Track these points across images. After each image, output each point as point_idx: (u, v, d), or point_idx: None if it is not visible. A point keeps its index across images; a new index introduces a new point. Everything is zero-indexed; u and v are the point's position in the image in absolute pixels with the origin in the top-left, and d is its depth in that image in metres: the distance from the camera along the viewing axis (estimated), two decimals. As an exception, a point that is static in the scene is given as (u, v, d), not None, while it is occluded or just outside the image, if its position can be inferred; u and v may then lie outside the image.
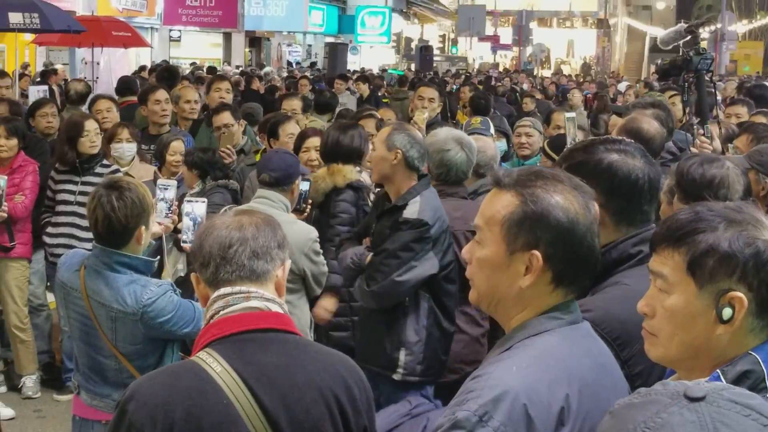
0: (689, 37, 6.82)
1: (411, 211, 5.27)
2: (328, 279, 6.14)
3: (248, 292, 2.79)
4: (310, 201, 6.28)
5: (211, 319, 2.81)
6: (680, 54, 6.89)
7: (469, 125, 8.42)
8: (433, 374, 5.34)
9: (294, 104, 9.62)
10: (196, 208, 4.98)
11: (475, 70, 45.26)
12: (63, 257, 4.70)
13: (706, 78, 6.46)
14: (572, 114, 8.12)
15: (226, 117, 8.43)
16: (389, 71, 37.51)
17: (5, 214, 4.76)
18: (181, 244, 4.83)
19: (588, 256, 2.39)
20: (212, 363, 2.68)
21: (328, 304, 6.25)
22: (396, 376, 5.31)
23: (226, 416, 2.63)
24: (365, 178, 6.57)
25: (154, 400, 2.65)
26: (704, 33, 41.49)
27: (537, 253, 2.36)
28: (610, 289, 3.06)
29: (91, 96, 11.07)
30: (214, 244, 2.82)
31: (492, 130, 8.52)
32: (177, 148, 7.70)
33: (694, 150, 5.92)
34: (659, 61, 10.13)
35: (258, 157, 7.99)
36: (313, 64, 40.92)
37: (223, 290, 2.80)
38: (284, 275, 2.91)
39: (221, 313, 2.78)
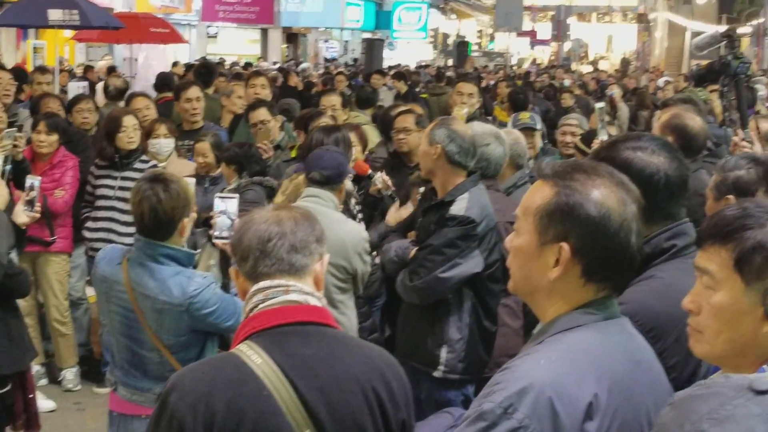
0: (725, 41, 6.75)
1: (458, 208, 5.23)
2: None
3: (287, 285, 2.80)
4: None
5: (250, 312, 2.82)
6: (718, 58, 6.83)
7: (517, 119, 8.34)
8: (474, 372, 5.32)
9: (333, 100, 9.62)
10: (229, 204, 4.97)
11: (513, 66, 45.10)
12: (101, 252, 4.73)
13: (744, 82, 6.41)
14: (602, 104, 8.07)
15: (262, 113, 8.43)
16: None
17: (38, 215, 5.12)
18: (214, 241, 4.80)
19: (620, 252, 2.36)
20: (252, 355, 2.69)
21: None
22: (437, 374, 5.29)
23: (266, 408, 2.64)
24: (347, 183, 6.17)
25: (195, 391, 2.66)
26: (746, 28, 41.13)
27: (565, 245, 2.35)
28: (645, 282, 3.06)
29: (127, 93, 11.13)
30: (253, 238, 2.83)
31: (540, 125, 8.46)
32: (201, 149, 7.69)
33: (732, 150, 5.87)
34: (694, 67, 10.00)
35: (293, 154, 8.00)
36: (355, 60, 40.95)
37: (262, 284, 2.81)
38: (322, 270, 2.92)
39: (260, 306, 2.80)
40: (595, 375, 2.26)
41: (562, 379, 2.22)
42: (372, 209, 6.79)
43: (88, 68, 21.06)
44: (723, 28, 7.04)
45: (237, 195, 5.24)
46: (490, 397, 2.22)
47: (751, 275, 2.15)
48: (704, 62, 6.88)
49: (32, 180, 5.29)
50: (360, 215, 6.36)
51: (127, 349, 4.53)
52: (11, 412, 5.17)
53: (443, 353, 5.28)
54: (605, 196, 2.36)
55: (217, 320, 4.44)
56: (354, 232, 5.58)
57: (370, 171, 6.87)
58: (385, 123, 8.65)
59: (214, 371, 2.72)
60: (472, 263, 5.23)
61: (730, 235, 2.19)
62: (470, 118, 8.42)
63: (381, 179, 6.76)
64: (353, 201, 6.40)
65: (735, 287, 2.18)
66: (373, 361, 2.86)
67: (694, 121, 5.39)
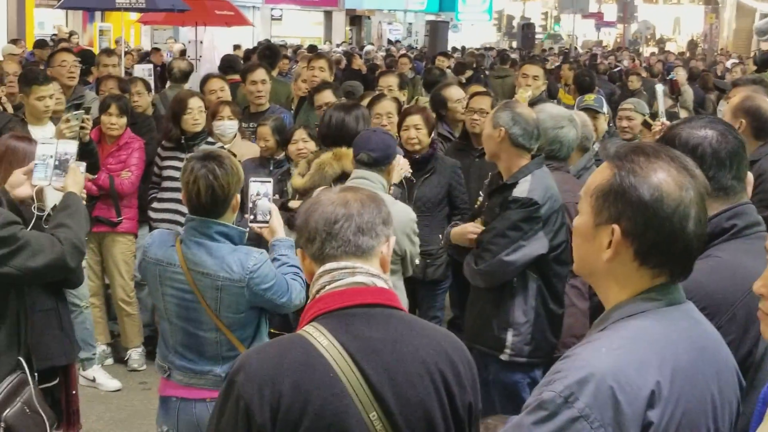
0: None
1: (521, 190, 5.21)
2: None
3: (353, 267, 2.80)
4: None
5: (316, 294, 2.82)
6: None
7: (582, 101, 8.30)
8: (542, 356, 5.28)
9: (390, 81, 9.61)
10: (262, 188, 4.84)
11: (577, 48, 44.72)
12: (148, 238, 4.79)
13: None
14: (661, 86, 8.01)
15: (327, 95, 8.44)
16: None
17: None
18: (250, 225, 4.75)
19: (673, 237, 2.32)
20: (319, 337, 2.69)
21: None
22: (503, 357, 5.27)
23: (332, 390, 2.64)
24: None
25: (262, 372, 2.67)
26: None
27: (616, 226, 2.33)
28: (702, 261, 3.01)
29: (194, 74, 11.20)
30: (319, 219, 2.83)
31: (605, 108, 8.40)
32: (262, 134, 7.73)
33: None
34: (758, 51, 9.84)
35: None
36: (409, 47, 40.84)
37: (328, 265, 2.81)
38: (389, 252, 2.91)
39: (327, 288, 2.80)
40: (657, 363, 2.24)
41: (623, 367, 2.20)
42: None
43: (154, 50, 21.20)
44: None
45: (271, 179, 5.12)
46: (550, 385, 2.22)
47: None
48: None
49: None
50: None
51: (182, 332, 4.56)
52: (58, 408, 5.04)
53: (509, 336, 5.26)
54: (661, 179, 2.32)
55: (273, 296, 4.47)
56: (403, 213, 5.56)
57: None
58: (437, 103, 8.62)
59: (281, 353, 2.72)
60: (537, 245, 5.20)
61: None
62: (534, 101, 8.39)
63: (397, 161, 6.30)
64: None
65: None
66: (439, 344, 2.84)
67: (767, 103, 5.32)
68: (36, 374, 4.45)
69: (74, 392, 5.24)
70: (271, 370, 2.66)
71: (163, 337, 4.70)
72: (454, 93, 8.41)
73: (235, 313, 4.47)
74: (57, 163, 4.68)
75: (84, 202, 4.68)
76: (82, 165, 4.87)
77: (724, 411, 2.36)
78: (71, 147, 4.81)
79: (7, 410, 4.13)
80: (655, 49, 45.74)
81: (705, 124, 3.20)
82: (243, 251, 4.50)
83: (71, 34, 24.65)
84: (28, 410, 4.23)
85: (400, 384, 2.70)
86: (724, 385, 2.37)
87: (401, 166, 6.09)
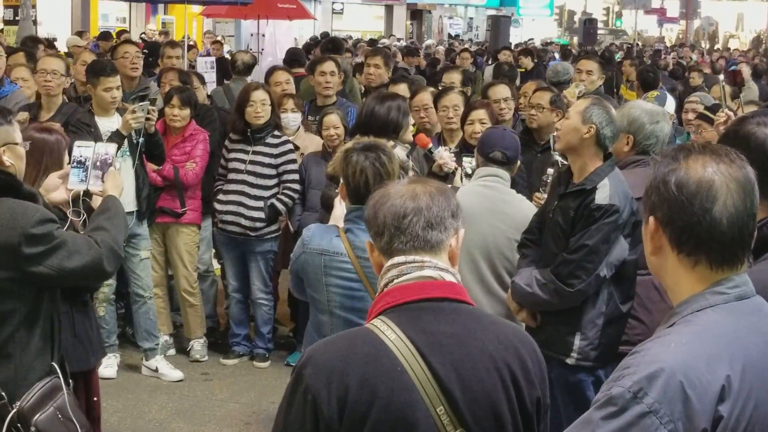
0: None
1: (602, 197, 5.08)
2: None
3: (422, 261, 2.79)
4: None
5: (384, 288, 2.81)
6: None
7: (645, 99, 8.22)
8: (605, 360, 5.19)
9: (453, 77, 9.58)
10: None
11: (638, 43, 44.34)
12: (306, 231, 4.71)
13: None
14: (721, 76, 7.92)
15: (402, 89, 8.38)
16: (557, 40, 37.15)
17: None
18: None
19: (696, 219, 2.32)
20: (386, 330, 2.69)
21: None
22: (569, 360, 5.18)
23: (399, 384, 2.64)
24: (400, 153, 6.05)
25: (329, 365, 2.67)
26: None
27: (652, 218, 2.38)
28: (765, 261, 2.98)
29: (256, 67, 11.23)
30: (388, 214, 2.82)
31: (669, 104, 8.29)
32: (330, 122, 7.76)
33: None
34: None
35: (414, 130, 7.99)
36: (470, 40, 40.73)
37: (396, 259, 2.80)
38: (458, 245, 2.89)
39: (395, 281, 2.79)
40: (727, 357, 2.22)
41: (693, 362, 2.19)
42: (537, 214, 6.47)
43: (215, 42, 21.32)
44: None
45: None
46: (619, 381, 2.21)
47: None
48: None
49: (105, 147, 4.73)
50: None
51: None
52: None
53: (577, 341, 5.17)
54: (690, 166, 2.34)
55: None
56: (531, 211, 5.59)
57: (430, 145, 6.54)
58: (485, 97, 8.57)
59: (349, 346, 2.72)
60: (619, 250, 5.10)
61: None
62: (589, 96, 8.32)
63: (441, 154, 6.38)
64: (412, 174, 6.17)
65: None
66: (507, 338, 2.82)
67: None
68: (71, 381, 4.32)
69: (95, 399, 5.12)
70: (339, 363, 2.66)
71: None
72: (498, 91, 8.29)
73: None
74: (97, 165, 4.56)
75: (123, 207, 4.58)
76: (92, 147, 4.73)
77: None
78: (110, 148, 4.69)
79: (38, 415, 4.03)
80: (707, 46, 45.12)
81: None
82: None
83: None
84: (60, 416, 4.12)
85: (468, 378, 2.69)
86: None
87: (444, 160, 6.09)
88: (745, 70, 17.12)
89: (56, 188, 4.53)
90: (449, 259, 2.87)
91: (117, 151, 4.64)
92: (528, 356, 2.83)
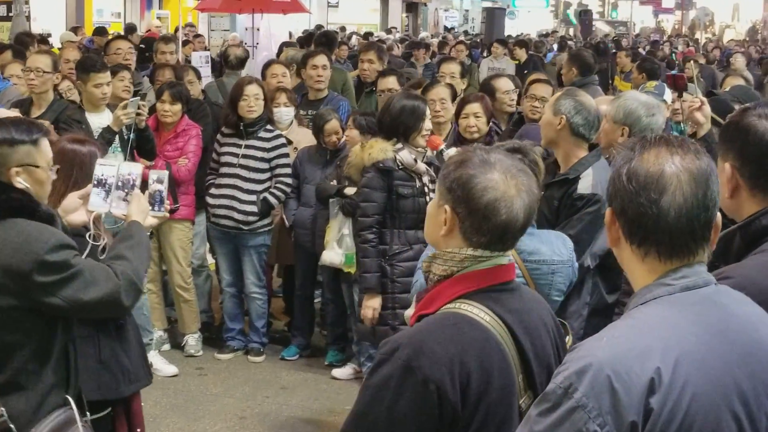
0: None
1: (584, 186, 5.13)
2: (365, 280, 6.30)
3: (503, 253, 2.88)
4: None
5: (457, 272, 2.82)
6: None
7: (644, 89, 8.21)
8: None
9: (452, 68, 9.59)
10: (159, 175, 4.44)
11: (637, 35, 44.31)
12: None
13: None
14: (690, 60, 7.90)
15: (391, 81, 8.52)
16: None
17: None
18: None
19: (643, 209, 2.34)
20: (480, 313, 2.76)
21: (374, 303, 6.27)
22: None
23: (505, 363, 2.74)
24: (404, 156, 6.13)
25: (447, 354, 2.67)
26: None
27: (609, 209, 2.43)
28: (756, 256, 3.01)
29: (250, 61, 11.23)
30: (500, 225, 2.80)
31: (667, 95, 8.29)
32: (332, 128, 7.81)
33: None
34: None
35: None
36: (465, 33, 40.70)
37: (480, 251, 2.82)
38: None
39: (470, 267, 2.82)
40: (659, 349, 2.23)
41: (622, 355, 2.22)
42: None
43: (196, 36, 21.28)
44: None
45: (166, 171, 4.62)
46: (555, 378, 2.26)
47: None
48: None
49: (159, 174, 4.35)
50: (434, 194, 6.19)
51: None
52: None
53: (567, 324, 5.21)
54: (643, 158, 2.36)
55: (577, 272, 4.75)
56: None
57: (442, 146, 6.35)
58: (486, 93, 8.57)
59: (457, 332, 2.73)
60: (603, 240, 5.12)
61: None
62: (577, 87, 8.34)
63: (451, 156, 6.33)
64: (426, 178, 6.26)
65: None
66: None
67: None
68: (87, 413, 4.11)
69: (139, 430, 4.85)
70: (456, 351, 2.68)
71: None
72: (504, 84, 8.34)
73: (560, 295, 4.67)
74: (119, 185, 4.17)
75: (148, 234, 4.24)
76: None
77: (758, 395, 2.32)
78: (135, 168, 4.28)
79: None
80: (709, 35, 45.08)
81: None
82: (556, 234, 4.75)
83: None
84: None
85: (539, 351, 2.86)
86: (759, 370, 2.33)
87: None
88: (740, 60, 17.13)
89: (76, 209, 4.17)
90: None
91: (138, 170, 4.20)
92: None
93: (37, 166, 3.82)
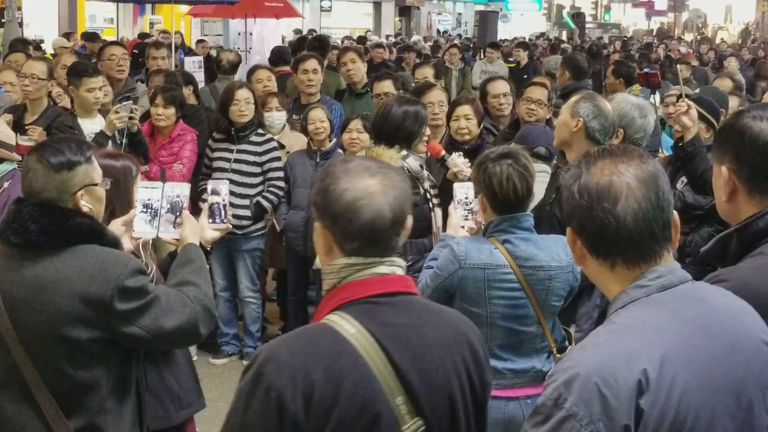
0: None
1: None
2: None
3: (381, 260, 2.78)
4: None
5: (337, 283, 2.79)
6: None
7: (631, 93, 8.24)
8: None
9: (426, 72, 9.60)
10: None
11: (630, 38, 44.37)
12: (459, 247, 4.66)
13: None
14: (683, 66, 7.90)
15: (387, 85, 8.53)
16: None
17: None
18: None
19: (601, 222, 2.37)
20: (345, 325, 2.69)
21: None
22: None
23: (362, 377, 2.65)
24: (412, 164, 5.92)
25: (293, 362, 2.66)
26: None
27: (569, 229, 2.48)
28: (752, 259, 3.01)
29: (242, 66, 11.24)
30: (365, 224, 2.72)
31: (654, 99, 8.32)
32: (316, 116, 7.75)
33: None
34: None
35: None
36: (459, 36, 40.77)
37: (355, 260, 2.77)
38: (406, 234, 2.86)
39: (350, 277, 2.77)
40: (644, 350, 2.25)
41: (607, 361, 2.24)
42: (450, 195, 6.07)
43: (198, 42, 21.31)
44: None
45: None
46: (545, 390, 2.29)
47: None
48: None
49: (215, 185, 4.21)
50: (436, 201, 6.08)
51: (506, 332, 4.64)
52: None
53: (572, 333, 5.23)
54: (592, 172, 2.40)
55: (579, 277, 4.69)
56: None
57: (443, 153, 6.18)
58: (480, 96, 8.57)
59: (310, 342, 2.72)
60: None
61: None
62: (571, 90, 8.34)
63: (455, 162, 6.09)
64: (428, 184, 6.14)
65: None
66: (457, 326, 2.88)
67: None
68: None
69: None
70: (302, 361, 2.65)
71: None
72: (497, 86, 8.32)
73: (559, 300, 4.67)
74: (168, 208, 3.98)
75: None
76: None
77: (746, 385, 2.34)
78: (182, 189, 4.06)
79: None
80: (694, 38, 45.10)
81: None
82: (556, 239, 4.67)
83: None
84: None
85: (426, 367, 2.72)
86: (743, 360, 2.35)
87: (459, 167, 5.99)
88: (733, 63, 17.17)
89: (120, 236, 3.87)
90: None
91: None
92: (476, 341, 2.88)
93: (96, 184, 3.69)
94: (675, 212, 2.44)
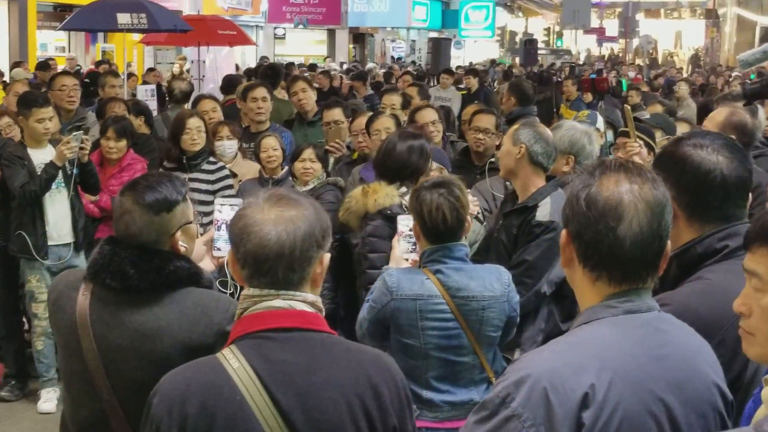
0: None
1: (542, 213, 5.22)
2: None
3: (277, 294, 2.73)
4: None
5: (241, 315, 2.78)
6: None
7: (577, 119, 8.32)
8: None
9: (393, 99, 9.63)
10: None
11: (583, 64, 44.76)
12: (390, 278, 4.62)
13: None
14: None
15: (336, 113, 8.55)
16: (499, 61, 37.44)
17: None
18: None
19: (600, 236, 2.40)
20: (231, 359, 2.68)
21: None
22: None
23: (239, 412, 2.63)
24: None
25: (173, 394, 2.68)
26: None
27: (565, 231, 2.50)
28: (692, 283, 3.05)
29: (193, 95, 11.24)
30: (250, 252, 2.70)
31: (599, 124, 8.39)
32: (269, 144, 7.76)
33: None
34: (747, 82, 9.70)
35: (355, 155, 8.01)
36: (413, 63, 40.96)
37: (252, 291, 2.75)
38: (324, 268, 2.82)
39: (248, 310, 2.75)
40: (595, 367, 2.29)
41: (559, 369, 2.28)
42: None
43: (149, 71, 21.29)
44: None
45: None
46: (495, 387, 2.33)
47: None
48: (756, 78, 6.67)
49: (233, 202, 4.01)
50: None
51: (442, 363, 4.59)
52: None
53: (516, 356, 5.23)
54: (603, 183, 2.42)
55: (517, 307, 4.67)
56: None
57: None
58: (413, 121, 8.56)
59: (193, 375, 2.72)
60: (559, 267, 5.16)
61: None
62: (516, 116, 8.44)
63: None
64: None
65: None
66: (360, 366, 2.77)
67: (749, 118, 5.41)
68: None
69: None
70: (181, 392, 2.67)
71: (410, 377, 4.31)
72: (424, 115, 8.24)
73: (496, 330, 4.61)
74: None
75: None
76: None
77: (690, 423, 2.37)
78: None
79: None
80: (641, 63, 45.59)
81: (717, 148, 3.12)
82: (492, 269, 4.68)
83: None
84: None
85: (312, 409, 2.66)
86: (692, 398, 2.39)
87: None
88: (683, 88, 17.37)
89: (203, 257, 3.83)
90: (312, 282, 2.80)
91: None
92: (384, 384, 2.77)
93: (191, 222, 3.57)
94: (669, 243, 2.46)
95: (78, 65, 23.52)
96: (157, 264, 3.37)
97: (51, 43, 28.06)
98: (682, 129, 7.87)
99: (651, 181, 2.44)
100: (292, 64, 23.83)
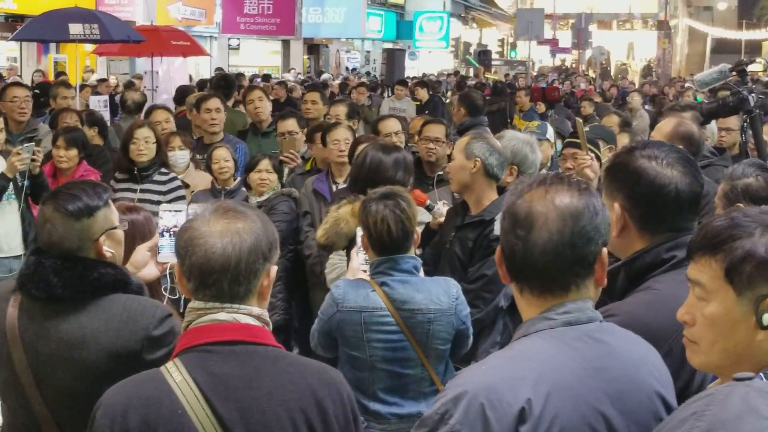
0: (736, 75, 6.60)
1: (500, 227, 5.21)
2: None
3: (221, 307, 2.73)
4: None
5: (186, 327, 2.78)
6: (731, 92, 6.59)
7: (527, 129, 8.39)
8: None
9: (339, 110, 9.64)
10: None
11: (536, 75, 45.03)
12: (336, 289, 4.61)
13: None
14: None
15: (291, 124, 8.53)
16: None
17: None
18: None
19: (512, 250, 2.44)
20: (174, 372, 2.67)
21: None
22: None
23: (180, 426, 2.63)
24: None
25: (115, 407, 2.68)
26: (765, 34, 40.81)
27: (498, 247, 2.52)
28: (639, 294, 3.06)
29: (146, 106, 11.20)
30: (195, 264, 2.70)
31: (549, 134, 8.46)
32: (220, 155, 7.73)
33: None
34: (705, 102, 9.74)
35: (309, 166, 8.01)
36: (367, 73, 41.03)
37: (197, 304, 2.76)
38: (270, 280, 2.82)
39: (193, 323, 2.75)
40: (533, 381, 2.29)
41: (496, 384, 2.28)
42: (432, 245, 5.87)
43: (101, 81, 21.17)
44: (732, 60, 6.87)
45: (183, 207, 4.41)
46: (434, 404, 2.33)
47: (741, 285, 2.17)
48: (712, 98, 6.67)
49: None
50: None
51: (389, 375, 4.57)
52: None
53: None
54: (525, 199, 2.45)
55: (467, 320, 4.64)
56: None
57: (428, 202, 5.89)
58: (376, 131, 8.57)
59: (135, 388, 2.72)
60: None
61: (719, 246, 2.20)
62: (468, 126, 8.46)
63: (441, 211, 5.86)
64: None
65: (727, 297, 2.20)
66: (304, 380, 2.76)
67: (696, 128, 5.48)
68: None
69: None
70: (123, 405, 2.67)
71: (358, 389, 4.42)
72: (388, 125, 8.24)
73: (444, 343, 4.57)
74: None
75: None
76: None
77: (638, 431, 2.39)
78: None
79: None
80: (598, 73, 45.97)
81: (672, 162, 3.12)
82: (440, 281, 4.66)
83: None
84: None
85: (254, 422, 2.66)
86: (633, 409, 2.40)
87: (445, 217, 5.78)
88: (636, 99, 17.53)
89: (146, 263, 3.85)
90: (259, 295, 2.80)
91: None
92: (329, 398, 2.77)
93: (116, 227, 3.55)
94: (604, 249, 2.46)
95: (18, 75, 23.36)
96: (80, 271, 3.37)
97: (2, 53, 27.82)
98: (624, 140, 7.97)
99: (576, 190, 2.45)
100: (242, 74, 23.71)
